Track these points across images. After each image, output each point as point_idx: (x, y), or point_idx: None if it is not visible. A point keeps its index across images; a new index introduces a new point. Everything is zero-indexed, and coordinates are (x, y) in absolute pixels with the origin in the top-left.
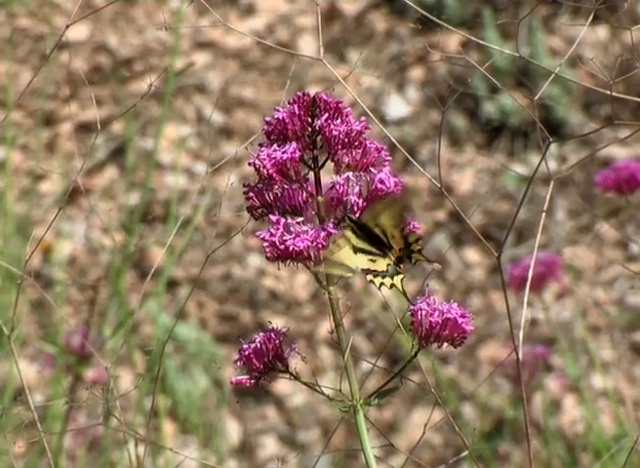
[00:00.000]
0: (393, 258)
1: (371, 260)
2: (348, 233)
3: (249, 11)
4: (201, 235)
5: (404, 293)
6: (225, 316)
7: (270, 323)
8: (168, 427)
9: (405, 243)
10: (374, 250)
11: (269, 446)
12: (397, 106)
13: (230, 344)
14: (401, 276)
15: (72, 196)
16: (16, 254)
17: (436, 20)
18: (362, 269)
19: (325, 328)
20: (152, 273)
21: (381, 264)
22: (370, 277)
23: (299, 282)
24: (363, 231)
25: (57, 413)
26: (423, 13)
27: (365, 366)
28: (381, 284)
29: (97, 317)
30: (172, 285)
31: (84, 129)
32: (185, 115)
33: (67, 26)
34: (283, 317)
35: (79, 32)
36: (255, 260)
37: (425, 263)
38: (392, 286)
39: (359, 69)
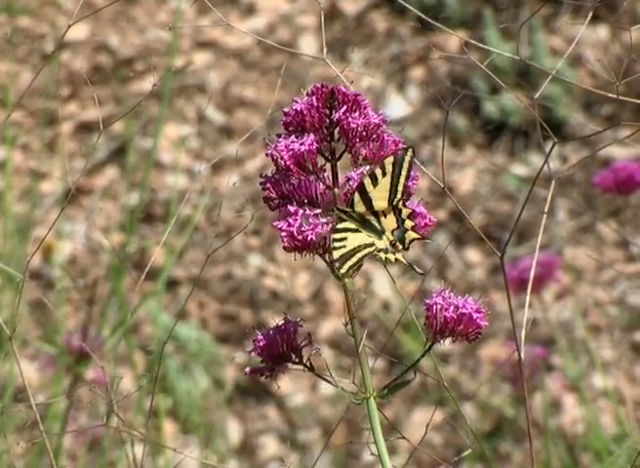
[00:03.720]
0: (388, 241)
1: (375, 241)
2: (342, 224)
3: (249, 10)
4: (202, 235)
5: (410, 266)
6: (226, 316)
7: (285, 313)
8: (168, 427)
9: (397, 221)
10: (368, 233)
11: (270, 446)
12: (398, 106)
13: (231, 344)
14: (400, 254)
15: (73, 196)
16: (16, 254)
17: (434, 23)
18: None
19: (326, 327)
20: (152, 273)
21: (380, 243)
22: (382, 255)
23: (299, 282)
24: (354, 218)
25: (57, 413)
26: (421, 15)
27: (375, 363)
28: (386, 258)
29: (97, 317)
30: (173, 285)
31: (85, 129)
32: (186, 115)
33: (69, 26)
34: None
35: (80, 32)
36: (255, 260)
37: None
38: (397, 260)
39: (360, 69)
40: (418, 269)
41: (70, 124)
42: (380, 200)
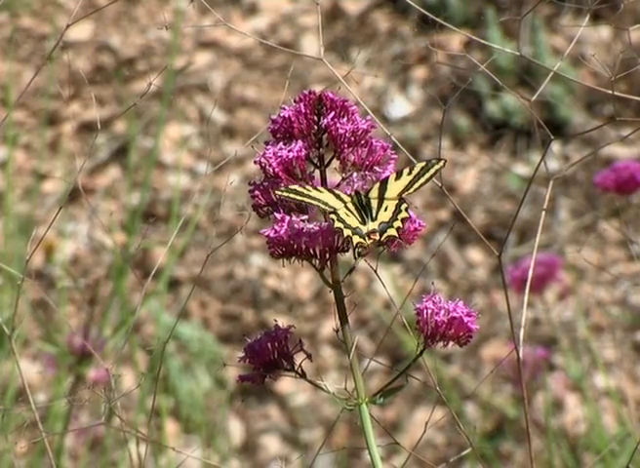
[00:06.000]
0: (367, 230)
1: (346, 212)
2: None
3: (252, 10)
4: (204, 235)
5: (358, 255)
6: (228, 315)
7: (276, 321)
8: (171, 427)
9: (391, 217)
10: (356, 214)
11: (272, 445)
12: (400, 106)
13: (233, 344)
14: (364, 245)
15: (75, 196)
16: (18, 254)
17: (438, 20)
18: (333, 212)
19: (328, 327)
20: (155, 273)
21: (353, 221)
22: (340, 225)
23: (301, 281)
24: (359, 200)
25: (59, 413)
26: (426, 13)
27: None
28: (352, 240)
29: (99, 316)
30: (175, 284)
31: (87, 128)
32: (188, 115)
33: (68, 26)
34: (286, 316)
35: (82, 32)
36: (257, 260)
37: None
38: (358, 244)
39: (361, 69)
40: (355, 262)
41: (73, 124)
42: (392, 191)
